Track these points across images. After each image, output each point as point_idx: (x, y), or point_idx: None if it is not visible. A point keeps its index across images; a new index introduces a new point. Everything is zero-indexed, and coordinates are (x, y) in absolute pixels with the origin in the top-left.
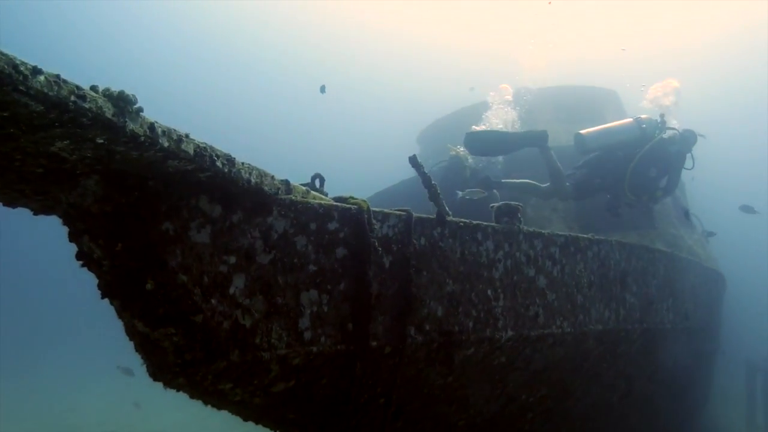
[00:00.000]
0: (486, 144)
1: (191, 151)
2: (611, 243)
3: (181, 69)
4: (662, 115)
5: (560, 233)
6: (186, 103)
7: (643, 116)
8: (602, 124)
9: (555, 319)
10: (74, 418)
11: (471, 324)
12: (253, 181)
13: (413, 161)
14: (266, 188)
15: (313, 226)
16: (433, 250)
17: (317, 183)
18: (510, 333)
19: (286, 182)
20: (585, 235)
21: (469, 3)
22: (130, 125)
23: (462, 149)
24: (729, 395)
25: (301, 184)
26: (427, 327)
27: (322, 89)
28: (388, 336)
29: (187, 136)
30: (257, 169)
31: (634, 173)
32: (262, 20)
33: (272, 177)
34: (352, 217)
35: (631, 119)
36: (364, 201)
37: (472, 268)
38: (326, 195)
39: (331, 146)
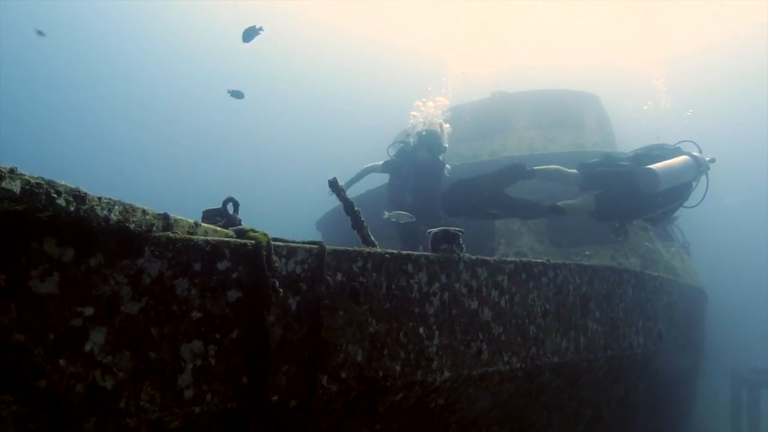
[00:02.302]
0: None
1: (16, 190)
2: (570, 267)
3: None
4: (713, 160)
5: (510, 259)
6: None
7: (695, 153)
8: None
9: (502, 354)
10: None
11: (398, 368)
12: (113, 218)
13: (333, 185)
14: (133, 226)
15: (197, 266)
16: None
17: (230, 208)
18: (447, 374)
19: (165, 216)
20: (539, 260)
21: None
22: None
23: (438, 122)
24: (714, 407)
25: (212, 210)
26: (344, 374)
27: (236, 95)
28: (294, 388)
29: (12, 171)
30: (121, 203)
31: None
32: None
33: (143, 211)
34: (248, 255)
35: (687, 157)
36: (265, 234)
37: (401, 304)
38: (240, 221)
39: (308, 150)
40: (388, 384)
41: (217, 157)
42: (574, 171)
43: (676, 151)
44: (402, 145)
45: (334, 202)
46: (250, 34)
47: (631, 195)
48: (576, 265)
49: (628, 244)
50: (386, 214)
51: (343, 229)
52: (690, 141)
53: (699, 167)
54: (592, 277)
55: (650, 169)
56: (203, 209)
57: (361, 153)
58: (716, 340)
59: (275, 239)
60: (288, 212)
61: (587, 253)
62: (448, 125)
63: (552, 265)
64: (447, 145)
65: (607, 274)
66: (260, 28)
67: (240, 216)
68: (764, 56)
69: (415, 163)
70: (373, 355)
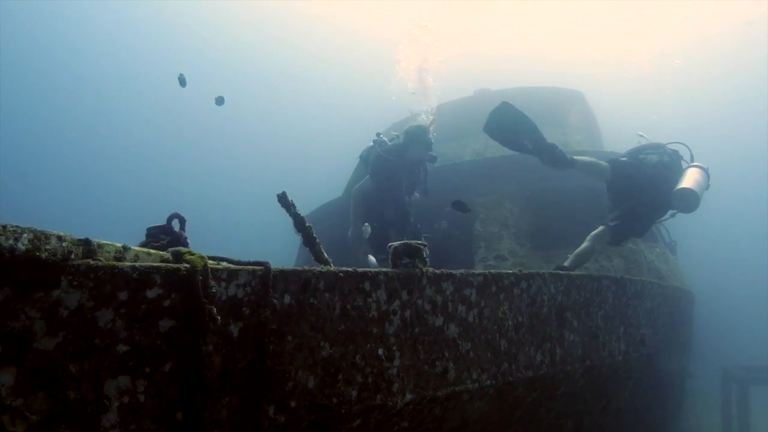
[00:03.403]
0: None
1: None
2: (544, 276)
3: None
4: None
5: (478, 272)
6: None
7: (699, 164)
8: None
9: (471, 372)
10: None
11: (355, 393)
12: (21, 247)
13: (282, 200)
14: (45, 255)
15: (123, 295)
16: (302, 309)
17: (176, 225)
18: (409, 396)
19: (86, 241)
20: (511, 271)
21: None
22: None
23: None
24: (705, 404)
25: (156, 227)
26: (293, 403)
27: (219, 101)
28: (236, 421)
29: None
30: (32, 231)
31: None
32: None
33: (59, 238)
34: (181, 280)
35: (701, 170)
36: (202, 257)
37: (358, 325)
38: (185, 239)
39: (290, 148)
40: (344, 411)
41: (198, 155)
42: (607, 165)
43: (678, 156)
44: (372, 145)
45: (314, 204)
46: (182, 80)
47: (654, 212)
48: (551, 274)
49: (611, 246)
50: (366, 231)
51: (322, 232)
52: (682, 143)
53: (708, 181)
54: (569, 286)
55: (694, 191)
56: (171, 215)
57: (345, 146)
58: (707, 339)
59: (220, 259)
60: (271, 213)
61: (569, 255)
62: (430, 118)
63: (524, 275)
64: (435, 134)
65: (585, 282)
66: (182, 78)
67: (186, 233)
68: (743, 54)
69: (405, 163)
70: (326, 381)
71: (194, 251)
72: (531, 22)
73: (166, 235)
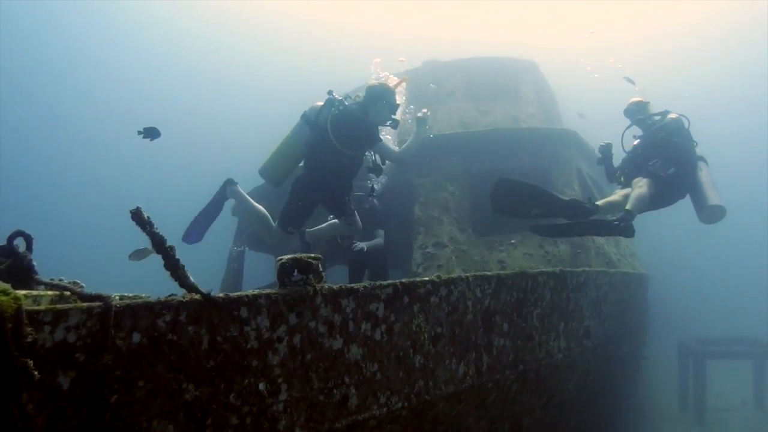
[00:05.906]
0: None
1: None
2: (467, 280)
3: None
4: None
5: (387, 283)
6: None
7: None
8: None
9: (378, 396)
10: None
11: None
12: None
13: (136, 217)
14: None
15: None
16: (158, 348)
17: (19, 245)
18: None
19: None
20: (426, 278)
21: None
22: None
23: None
24: (660, 378)
25: None
26: None
27: (153, 134)
28: None
29: None
30: None
31: None
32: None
33: None
34: None
35: (707, 168)
36: (16, 298)
37: (232, 358)
38: (30, 261)
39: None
40: None
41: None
42: (647, 193)
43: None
44: (323, 104)
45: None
46: (151, 133)
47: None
48: (476, 276)
49: None
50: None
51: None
52: (684, 116)
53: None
54: (498, 288)
55: (723, 209)
56: None
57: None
58: (665, 315)
59: (64, 288)
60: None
61: (513, 241)
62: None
63: (444, 281)
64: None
65: (517, 280)
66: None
67: (31, 255)
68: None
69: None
70: (191, 428)
71: (10, 290)
72: None
73: (6, 258)
